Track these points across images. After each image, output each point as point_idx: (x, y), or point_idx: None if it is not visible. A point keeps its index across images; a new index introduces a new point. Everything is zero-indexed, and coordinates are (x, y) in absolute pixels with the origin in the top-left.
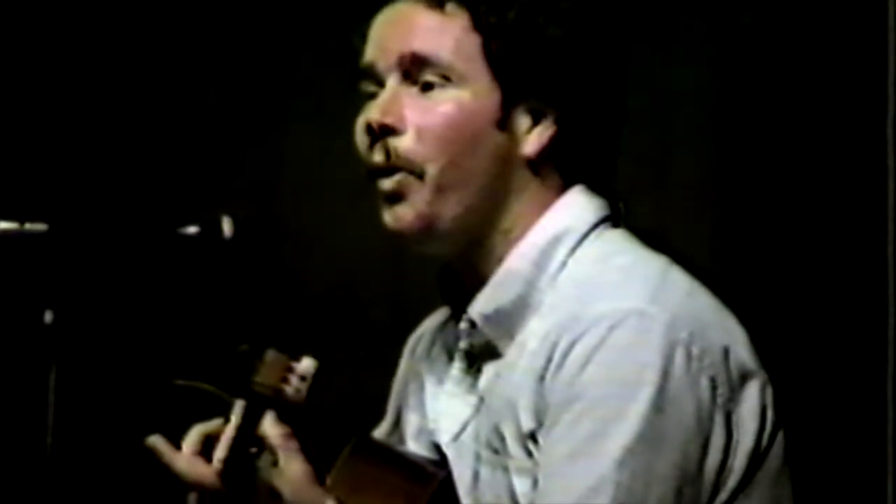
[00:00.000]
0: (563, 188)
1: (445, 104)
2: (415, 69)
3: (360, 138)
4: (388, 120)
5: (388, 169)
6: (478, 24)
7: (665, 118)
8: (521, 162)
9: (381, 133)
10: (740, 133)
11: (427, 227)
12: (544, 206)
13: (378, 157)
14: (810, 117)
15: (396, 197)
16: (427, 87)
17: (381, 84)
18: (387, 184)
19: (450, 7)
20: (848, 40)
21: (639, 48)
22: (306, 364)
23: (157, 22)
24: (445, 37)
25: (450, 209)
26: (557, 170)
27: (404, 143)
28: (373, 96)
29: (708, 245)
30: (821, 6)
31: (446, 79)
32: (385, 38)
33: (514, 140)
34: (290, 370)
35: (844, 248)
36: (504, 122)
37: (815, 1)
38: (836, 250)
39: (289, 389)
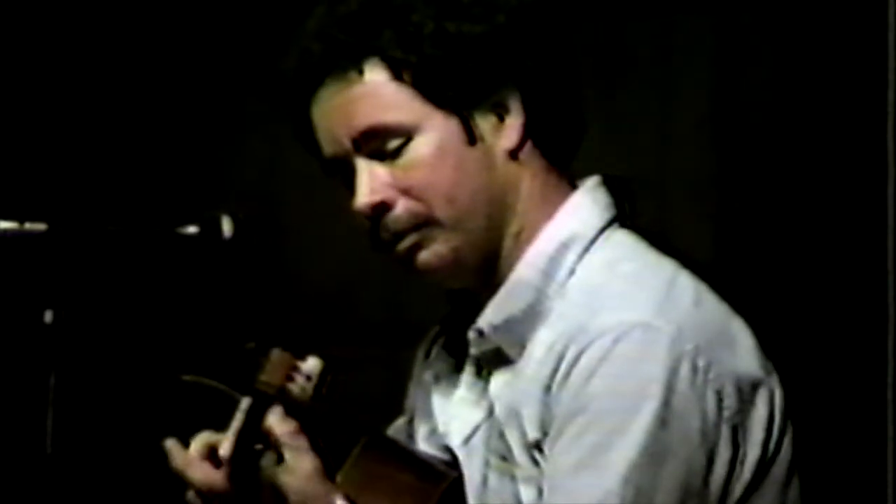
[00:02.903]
0: (550, 170)
1: (418, 157)
2: (372, 144)
3: (361, 223)
4: (377, 198)
5: (397, 241)
6: (398, 73)
7: (667, 116)
8: (505, 159)
9: (375, 213)
10: (742, 131)
11: (454, 264)
12: (543, 197)
13: (385, 234)
14: (811, 115)
15: (415, 249)
16: (394, 154)
17: (351, 169)
18: (401, 246)
19: (368, 70)
20: (848, 40)
21: (641, 48)
22: (312, 363)
23: (157, 22)
24: (379, 101)
25: (467, 240)
26: (539, 149)
27: (401, 211)
28: (351, 182)
29: (710, 242)
30: (821, 6)
31: (405, 138)
32: (331, 130)
33: (490, 144)
34: (296, 369)
35: (845, 245)
36: (473, 137)
37: (815, 1)
38: (837, 247)
39: (294, 388)
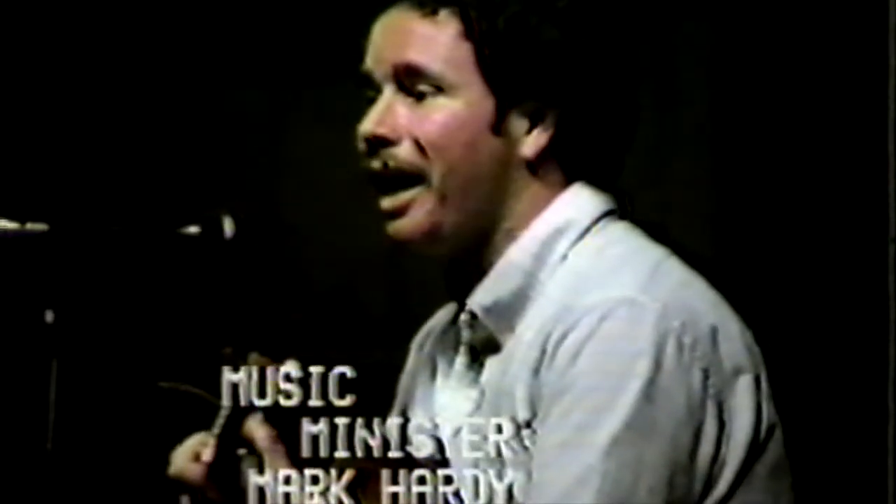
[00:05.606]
0: (567, 184)
1: (438, 113)
2: (408, 79)
3: (360, 146)
4: (382, 131)
5: (386, 177)
6: (469, 32)
7: (666, 113)
8: (520, 163)
9: (376, 143)
10: (741, 131)
11: (430, 236)
12: (548, 203)
13: (376, 164)
14: (811, 115)
15: (398, 213)
16: (421, 97)
17: (379, 90)
18: (386, 203)
19: (443, 14)
20: (848, 40)
21: (640, 44)
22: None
23: (157, 21)
24: (437, 46)
25: (452, 217)
26: (560, 167)
27: (400, 154)
28: (374, 101)
29: (708, 240)
30: (821, 6)
31: (438, 88)
32: (381, 48)
33: (512, 143)
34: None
35: (845, 244)
36: (500, 127)
37: (815, 1)
38: (837, 246)
39: None
